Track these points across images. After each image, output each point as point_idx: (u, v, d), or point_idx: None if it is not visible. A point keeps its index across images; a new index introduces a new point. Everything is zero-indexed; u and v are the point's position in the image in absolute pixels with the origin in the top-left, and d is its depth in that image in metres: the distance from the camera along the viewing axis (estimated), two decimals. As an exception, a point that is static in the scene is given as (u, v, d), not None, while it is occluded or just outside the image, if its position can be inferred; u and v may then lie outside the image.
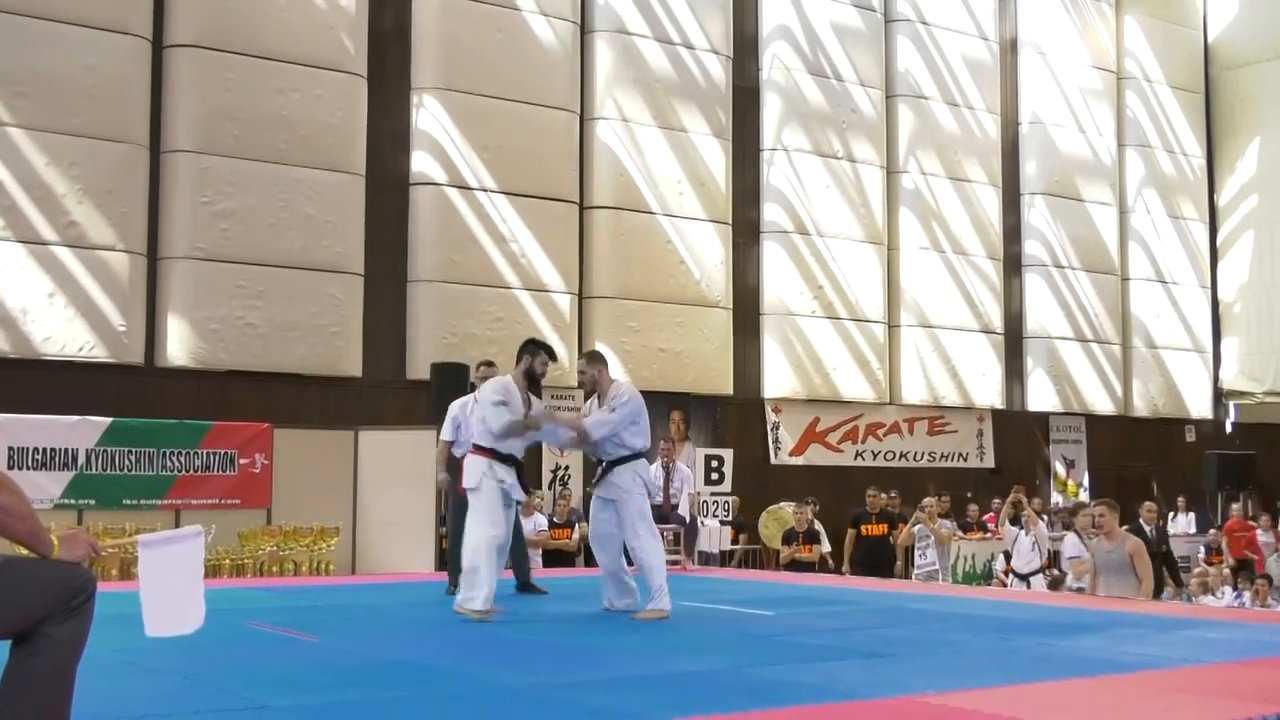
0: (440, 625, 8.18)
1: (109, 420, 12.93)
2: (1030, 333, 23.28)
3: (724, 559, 17.49)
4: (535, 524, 14.76)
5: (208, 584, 4.38)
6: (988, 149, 22.76)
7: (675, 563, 13.68)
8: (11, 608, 3.67)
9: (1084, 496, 22.33)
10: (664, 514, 13.43)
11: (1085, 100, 24.09)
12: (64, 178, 14.65)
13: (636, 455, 8.62)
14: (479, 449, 8.58)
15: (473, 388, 10.63)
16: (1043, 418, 23.28)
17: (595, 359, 8.87)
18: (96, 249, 14.76)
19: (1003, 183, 22.97)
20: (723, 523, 17.98)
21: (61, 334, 14.54)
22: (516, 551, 10.03)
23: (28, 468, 12.34)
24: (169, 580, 4.16)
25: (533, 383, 8.77)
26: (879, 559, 15.14)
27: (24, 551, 3.83)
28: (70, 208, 14.65)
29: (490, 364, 10.63)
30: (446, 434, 10.32)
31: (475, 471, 8.51)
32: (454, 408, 10.35)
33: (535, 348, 8.85)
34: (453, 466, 10.03)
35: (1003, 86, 23.34)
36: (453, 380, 13.73)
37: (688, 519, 13.63)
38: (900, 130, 21.84)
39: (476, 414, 8.87)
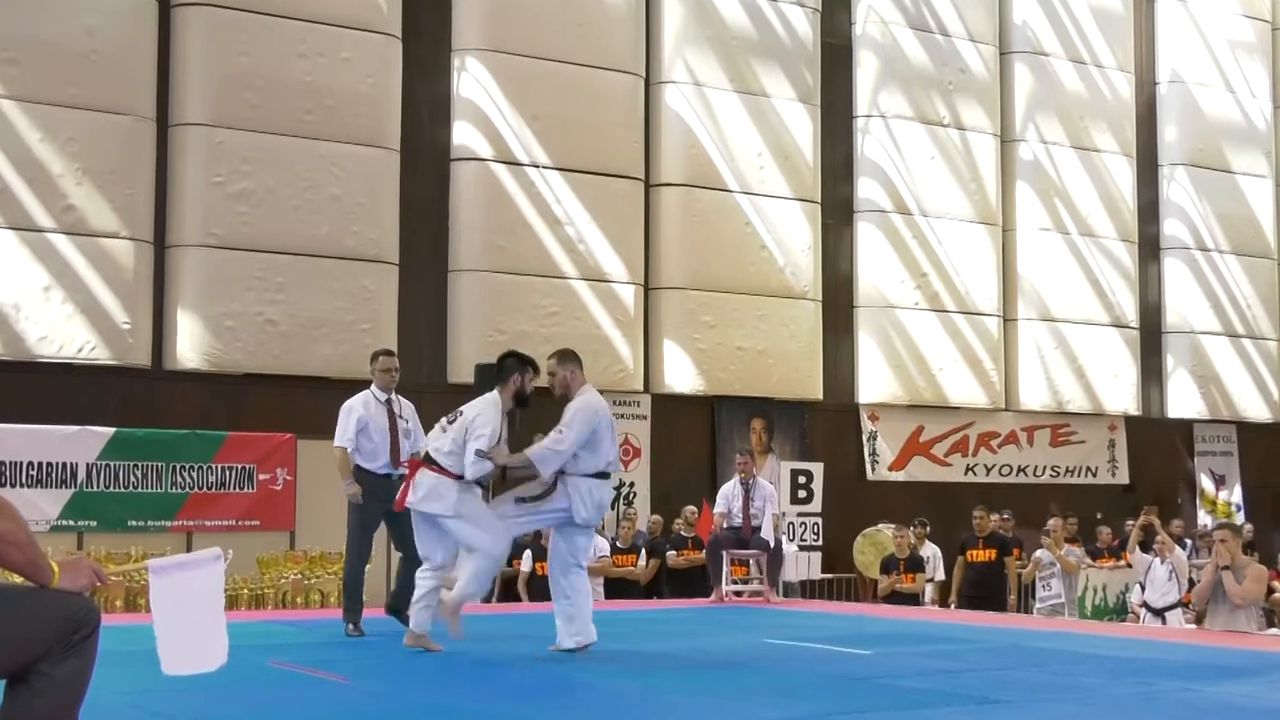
0: (485, 665, 8.22)
1: (112, 430, 13.12)
2: (1170, 327, 23.01)
3: (812, 589, 17.43)
4: (596, 548, 14.79)
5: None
6: (1119, 113, 22.51)
7: (758, 594, 13.67)
8: (6, 644, 3.71)
9: (1239, 518, 22.03)
10: (743, 538, 13.41)
11: (1234, 55, 23.75)
12: (60, 155, 14.86)
13: (599, 475, 8.67)
14: (443, 470, 8.59)
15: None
16: (1186, 426, 22.99)
17: (567, 358, 8.89)
18: (97, 236, 14.97)
19: (1137, 152, 22.70)
20: (808, 547, 17.93)
21: (58, 333, 14.76)
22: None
23: (21, 484, 12.56)
24: (185, 611, 4.21)
25: (520, 404, 8.83)
26: (987, 589, 15.03)
27: (18, 578, 3.89)
28: (68, 189, 14.86)
29: (389, 353, 10.56)
30: (346, 440, 10.12)
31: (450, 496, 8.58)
32: (358, 409, 10.19)
33: (523, 365, 8.84)
34: (370, 483, 10.07)
35: (1137, 40, 23.07)
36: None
37: (771, 543, 13.59)
38: (1017, 92, 21.66)
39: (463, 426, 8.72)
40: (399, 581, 10.35)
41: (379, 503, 10.08)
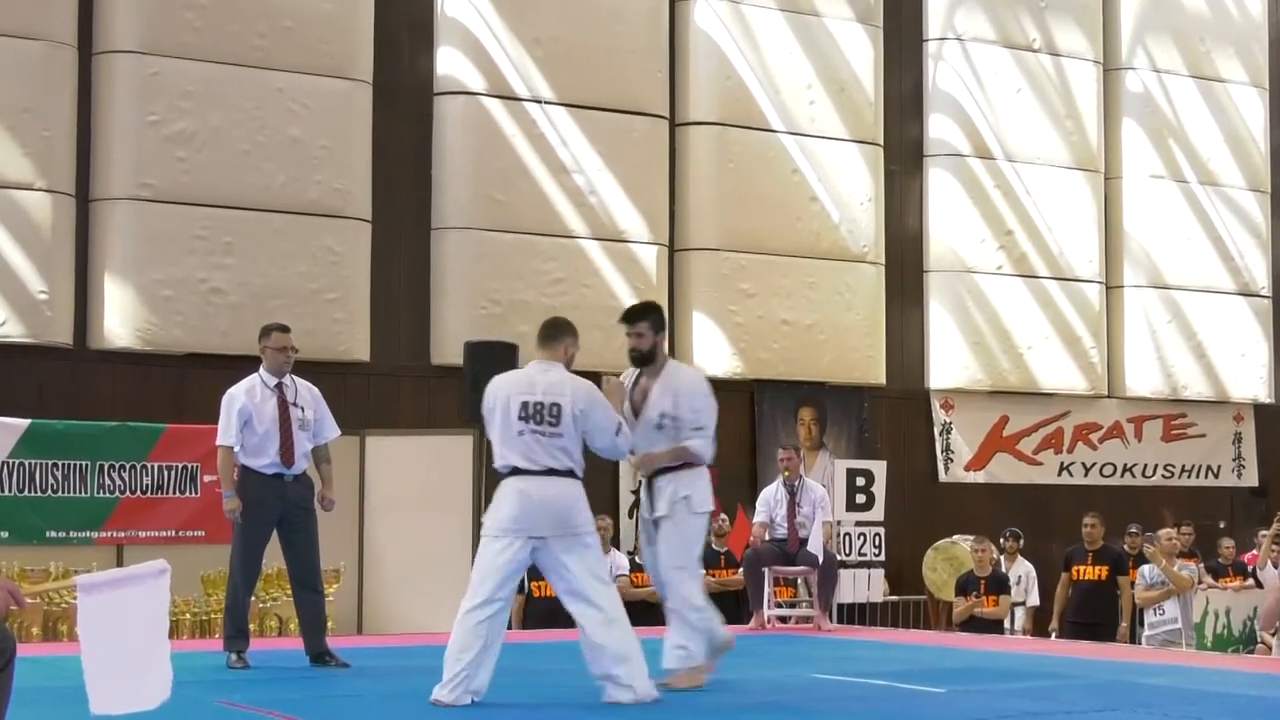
0: (476, 707, 8.24)
1: (25, 423, 13.16)
2: (1311, 295, 22.98)
3: (873, 614, 17.46)
4: (614, 564, 14.82)
5: (164, 645, 4.46)
6: (1248, 34, 22.42)
7: (806, 619, 13.69)
8: (-95, 677, 3.75)
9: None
10: (789, 552, 13.41)
11: (1390, -37, 23.68)
12: (-37, 90, 14.94)
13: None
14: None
15: (257, 363, 10.56)
16: (1329, 416, 22.97)
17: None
18: (7, 188, 15.00)
19: (1270, 83, 22.63)
20: (872, 564, 17.95)
21: (-39, 305, 14.85)
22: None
23: (-84, 487, 12.62)
24: (120, 637, 4.23)
25: None
26: (1095, 614, 15.02)
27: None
28: (-29, 131, 14.94)
29: (284, 329, 10.56)
30: (231, 437, 10.22)
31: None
32: (239, 398, 10.27)
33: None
34: (255, 485, 10.13)
35: (1270, -55, 23.03)
36: (495, 366, 13.74)
37: (821, 558, 13.59)
38: (1123, 10, 21.58)
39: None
40: (302, 616, 10.40)
41: (267, 508, 10.16)
